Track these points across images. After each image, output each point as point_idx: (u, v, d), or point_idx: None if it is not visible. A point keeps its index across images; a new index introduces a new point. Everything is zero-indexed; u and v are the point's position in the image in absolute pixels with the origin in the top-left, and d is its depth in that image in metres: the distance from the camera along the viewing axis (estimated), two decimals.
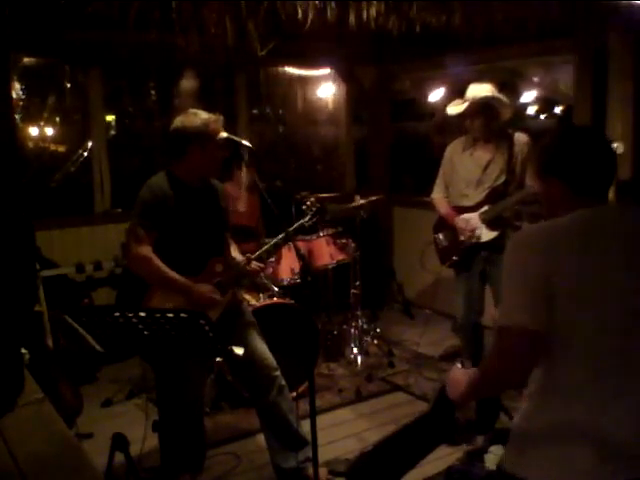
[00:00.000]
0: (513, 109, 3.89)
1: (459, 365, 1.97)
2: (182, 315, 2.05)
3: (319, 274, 4.74)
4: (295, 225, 3.28)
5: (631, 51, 4.15)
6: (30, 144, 5.79)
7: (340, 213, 4.75)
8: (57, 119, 5.92)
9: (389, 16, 3.88)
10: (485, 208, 3.78)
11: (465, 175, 3.86)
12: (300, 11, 3.66)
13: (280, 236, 3.12)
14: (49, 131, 5.97)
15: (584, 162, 1.71)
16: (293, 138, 6.83)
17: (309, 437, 2.64)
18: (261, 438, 3.22)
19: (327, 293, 4.90)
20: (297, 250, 3.04)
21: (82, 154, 5.73)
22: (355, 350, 4.68)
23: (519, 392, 1.82)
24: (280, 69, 5.98)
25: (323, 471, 3.06)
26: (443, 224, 4.01)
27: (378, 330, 5.01)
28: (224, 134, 2.85)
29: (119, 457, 2.56)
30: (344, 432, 3.68)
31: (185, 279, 2.84)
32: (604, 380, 1.60)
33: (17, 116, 5.18)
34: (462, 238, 3.86)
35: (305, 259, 3.94)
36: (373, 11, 3.78)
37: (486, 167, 3.78)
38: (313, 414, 2.51)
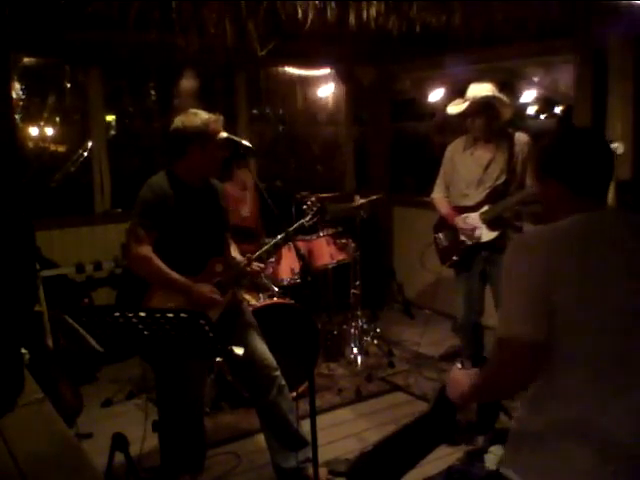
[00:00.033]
0: (513, 109, 3.89)
1: (459, 365, 1.97)
2: (182, 315, 2.05)
3: (319, 274, 4.74)
4: (295, 225, 3.28)
5: (631, 51, 4.15)
6: (30, 144, 5.80)
7: (340, 213, 4.75)
8: (57, 119, 5.93)
9: (389, 16, 3.88)
10: (485, 208, 3.77)
11: (466, 175, 3.86)
12: (300, 11, 3.66)
13: (280, 236, 3.12)
14: (49, 131, 5.98)
15: (582, 163, 1.71)
16: (293, 138, 6.83)
17: (309, 437, 2.64)
18: (261, 438, 3.22)
19: (327, 293, 4.90)
20: (297, 250, 3.04)
21: (82, 154, 5.74)
22: (355, 350, 4.68)
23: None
24: (280, 69, 5.96)
25: (323, 471, 3.06)
26: (443, 224, 4.00)
27: (378, 330, 5.01)
28: (224, 134, 2.85)
29: (119, 457, 2.57)
30: (344, 432, 3.68)
31: (185, 279, 2.84)
32: (604, 380, 1.60)
33: (17, 116, 5.18)
34: (462, 238, 3.86)
35: (305, 259, 3.94)
36: (373, 11, 3.77)
37: (487, 167, 3.78)
38: (313, 414, 2.51)
